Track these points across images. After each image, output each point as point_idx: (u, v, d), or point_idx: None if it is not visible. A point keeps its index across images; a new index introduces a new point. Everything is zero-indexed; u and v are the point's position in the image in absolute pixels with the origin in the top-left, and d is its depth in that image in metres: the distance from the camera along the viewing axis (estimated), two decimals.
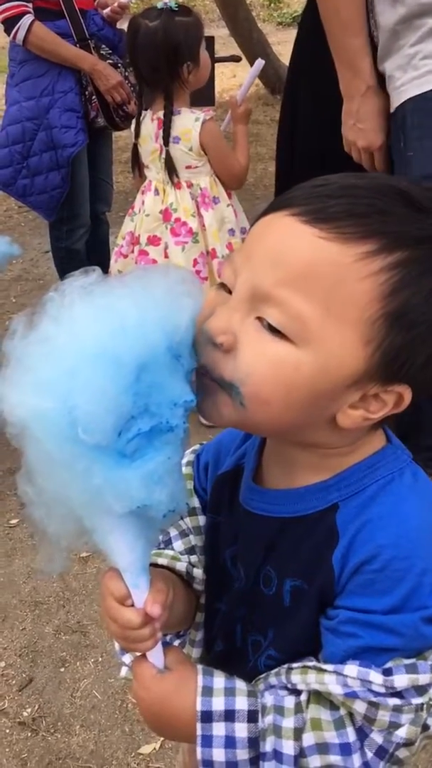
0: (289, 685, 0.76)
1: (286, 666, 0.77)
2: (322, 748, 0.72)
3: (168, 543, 0.94)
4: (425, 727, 0.72)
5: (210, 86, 5.30)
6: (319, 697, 0.74)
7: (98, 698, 1.95)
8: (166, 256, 2.86)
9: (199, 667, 0.78)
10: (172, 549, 0.93)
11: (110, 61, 3.35)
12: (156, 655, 0.78)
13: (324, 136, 2.12)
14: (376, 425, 0.77)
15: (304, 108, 2.54)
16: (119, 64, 3.39)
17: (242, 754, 0.74)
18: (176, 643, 0.96)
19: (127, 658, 0.89)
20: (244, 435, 0.93)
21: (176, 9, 2.65)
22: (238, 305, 0.70)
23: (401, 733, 0.71)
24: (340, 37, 1.87)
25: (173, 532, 0.94)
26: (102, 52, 3.35)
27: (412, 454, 0.80)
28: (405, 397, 0.72)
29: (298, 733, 0.72)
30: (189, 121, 2.72)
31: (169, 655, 0.79)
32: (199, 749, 0.74)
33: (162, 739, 1.81)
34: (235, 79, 8.91)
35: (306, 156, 2.49)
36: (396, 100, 1.82)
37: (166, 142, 2.74)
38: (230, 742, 0.74)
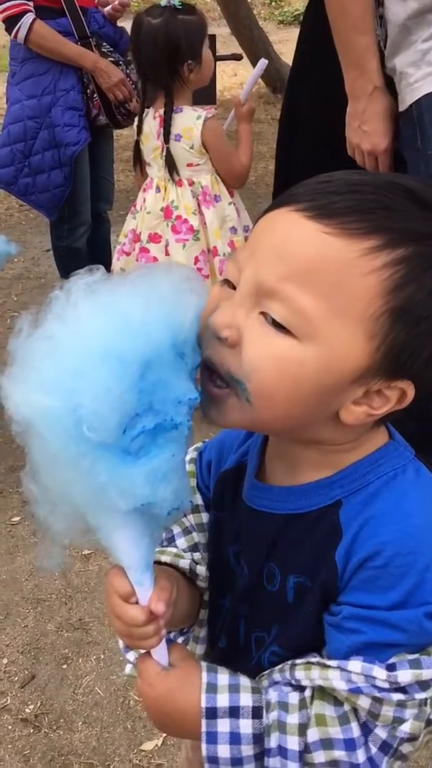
0: (293, 681, 0.76)
1: (289, 662, 0.78)
2: (327, 743, 0.72)
3: (171, 540, 0.94)
4: (429, 722, 0.72)
5: (211, 85, 5.29)
6: (323, 693, 0.74)
7: (100, 695, 1.96)
8: (167, 254, 2.86)
9: (203, 663, 0.79)
10: (175, 546, 0.93)
11: (111, 59, 3.35)
12: (160, 652, 0.79)
13: (325, 136, 2.09)
14: (379, 422, 0.78)
15: (305, 108, 2.52)
16: (120, 62, 3.39)
17: (247, 750, 0.74)
18: (180, 640, 0.96)
19: (131, 656, 0.89)
20: (246, 432, 0.93)
21: (180, 7, 2.65)
22: (243, 300, 0.70)
23: (405, 728, 0.71)
24: (346, 36, 1.81)
25: (176, 530, 0.95)
26: (103, 50, 3.36)
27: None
28: (408, 393, 0.72)
29: (302, 728, 0.72)
30: (191, 119, 2.72)
31: (173, 652, 0.80)
32: (204, 746, 0.74)
33: (164, 735, 1.81)
34: (236, 77, 8.90)
35: (306, 156, 2.47)
36: (410, 98, 1.75)
37: (166, 140, 2.74)
38: (235, 738, 0.74)
